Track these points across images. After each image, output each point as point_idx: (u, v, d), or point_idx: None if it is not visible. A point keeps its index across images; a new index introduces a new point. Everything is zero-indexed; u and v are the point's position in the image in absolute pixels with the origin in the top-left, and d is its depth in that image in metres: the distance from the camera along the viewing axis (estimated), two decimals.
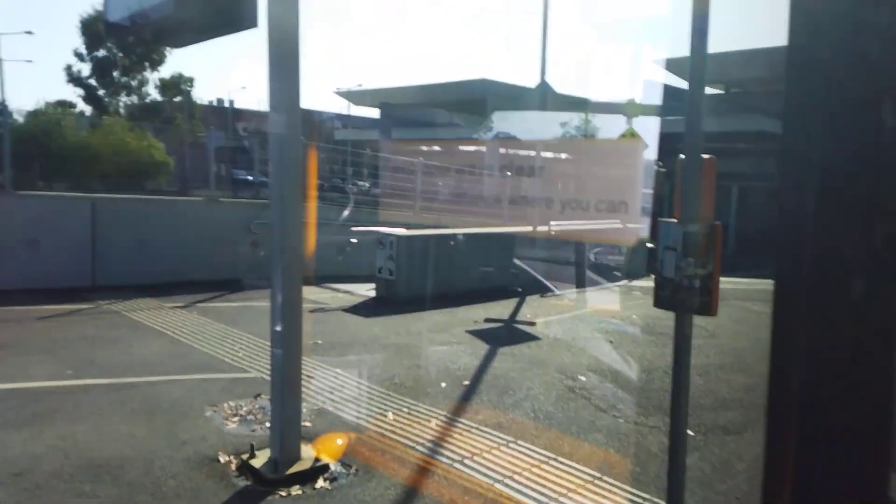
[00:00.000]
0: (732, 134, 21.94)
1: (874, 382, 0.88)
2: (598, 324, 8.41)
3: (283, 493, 3.59)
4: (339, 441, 4.32)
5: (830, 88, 0.88)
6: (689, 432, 4.59)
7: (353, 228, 11.02)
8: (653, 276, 3.51)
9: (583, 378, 5.94)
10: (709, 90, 28.41)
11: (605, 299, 10.80)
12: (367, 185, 19.21)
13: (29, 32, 50.00)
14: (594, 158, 12.92)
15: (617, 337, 7.61)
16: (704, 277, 3.29)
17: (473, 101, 37.30)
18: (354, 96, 47.93)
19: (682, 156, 3.28)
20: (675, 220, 3.32)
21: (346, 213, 11.73)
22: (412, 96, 41.47)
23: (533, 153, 12.76)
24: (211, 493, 3.54)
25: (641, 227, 11.08)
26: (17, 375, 5.23)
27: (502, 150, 15.13)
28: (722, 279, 3.11)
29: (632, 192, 11.26)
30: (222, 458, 3.95)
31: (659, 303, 3.54)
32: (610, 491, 3.80)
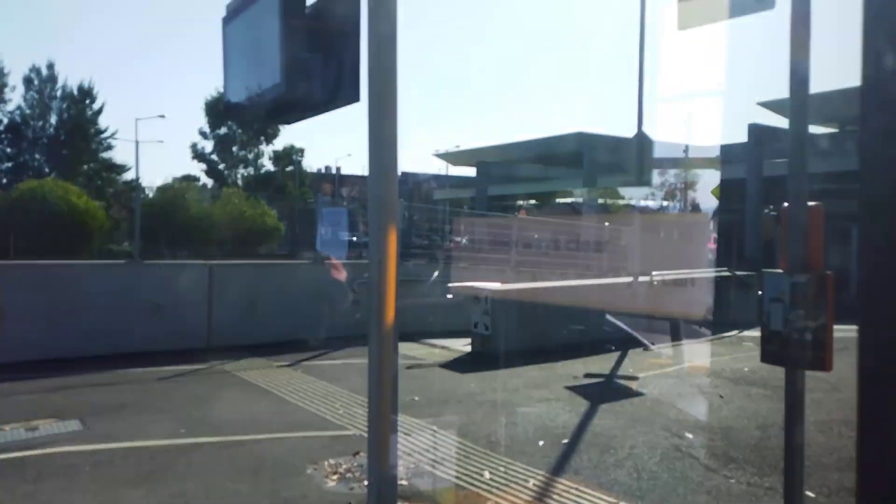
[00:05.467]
0: (852, 173, 20.62)
1: None
2: (706, 378, 7.97)
3: None
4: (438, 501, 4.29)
5: None
6: (810, 493, 4.22)
7: (450, 285, 11.13)
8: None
9: (690, 436, 5.63)
10: (823, 129, 27.04)
11: (711, 352, 10.24)
12: (463, 240, 19.55)
13: (161, 116, 55.06)
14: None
15: (727, 391, 7.17)
16: (816, 330, 3.06)
17: (569, 154, 37.20)
18: (452, 157, 49.08)
19: (786, 204, 3.12)
20: (780, 271, 3.13)
21: (437, 272, 11.89)
22: (508, 153, 41.94)
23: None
24: None
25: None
26: (137, 434, 5.58)
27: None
28: (844, 327, 2.85)
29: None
30: None
31: (767, 357, 3.31)
32: None
